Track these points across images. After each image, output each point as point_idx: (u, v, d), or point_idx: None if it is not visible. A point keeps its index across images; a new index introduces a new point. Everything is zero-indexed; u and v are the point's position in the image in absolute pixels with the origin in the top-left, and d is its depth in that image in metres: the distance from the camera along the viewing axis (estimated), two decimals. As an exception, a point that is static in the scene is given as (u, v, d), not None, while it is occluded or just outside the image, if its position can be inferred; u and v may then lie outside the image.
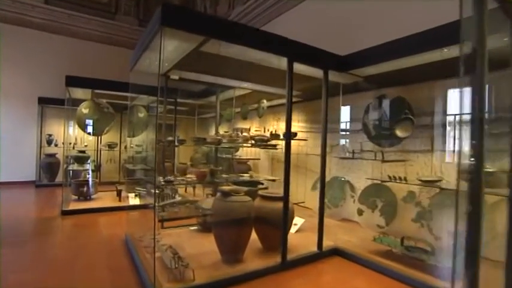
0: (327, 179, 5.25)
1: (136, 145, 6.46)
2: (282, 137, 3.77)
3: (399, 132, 3.77)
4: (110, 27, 8.38)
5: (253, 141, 3.30)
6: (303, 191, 5.62)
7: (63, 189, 5.13)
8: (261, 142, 3.28)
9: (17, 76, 7.60)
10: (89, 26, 8.16)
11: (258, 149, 6.37)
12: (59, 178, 7.74)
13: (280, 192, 3.35)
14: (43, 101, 7.51)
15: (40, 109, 7.71)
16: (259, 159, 5.59)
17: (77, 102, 5.72)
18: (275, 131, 4.78)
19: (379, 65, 3.48)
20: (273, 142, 3.59)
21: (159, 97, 5.67)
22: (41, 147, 7.73)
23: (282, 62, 3.31)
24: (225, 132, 5.46)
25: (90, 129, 5.40)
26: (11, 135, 7.51)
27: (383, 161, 3.61)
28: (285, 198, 3.03)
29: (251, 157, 5.89)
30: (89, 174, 5.64)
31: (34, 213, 4.98)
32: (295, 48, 3.13)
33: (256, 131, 4.67)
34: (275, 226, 3.21)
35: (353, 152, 3.86)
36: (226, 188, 3.08)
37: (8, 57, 7.44)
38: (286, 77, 3.06)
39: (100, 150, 7.24)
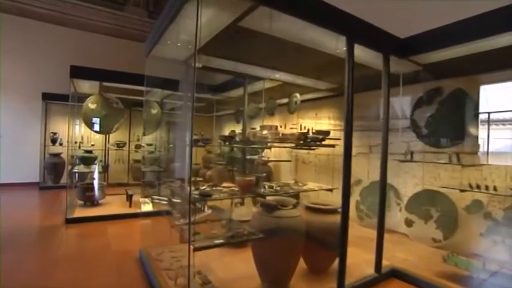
0: (366, 183, 4.61)
1: (148, 144, 5.82)
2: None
3: (473, 131, 3.08)
4: (119, 18, 7.75)
5: (302, 141, 2.62)
6: (337, 197, 4.94)
7: (67, 193, 4.49)
8: (314, 141, 2.60)
9: (20, 70, 6.98)
10: (96, 17, 7.53)
11: (280, 149, 5.72)
12: (64, 179, 7.12)
13: (327, 201, 2.70)
14: (47, 97, 6.89)
15: (44, 105, 7.09)
16: (290, 161, 4.93)
17: (82, 99, 5.07)
18: (310, 128, 4.12)
19: (442, 51, 2.82)
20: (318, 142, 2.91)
21: (171, 90, 5.11)
22: (45, 147, 7.11)
23: (333, 44, 2.66)
24: (252, 129, 4.81)
25: (97, 126, 4.75)
26: (12, 134, 6.90)
27: (462, 165, 2.92)
28: (345, 211, 2.36)
29: (278, 158, 5.22)
30: (94, 177, 5.00)
31: (35, 221, 4.35)
32: (356, 26, 2.46)
33: (292, 128, 3.99)
34: (326, 245, 2.55)
35: (411, 154, 3.18)
36: (269, 199, 2.42)
37: (10, 50, 6.82)
38: (346, 60, 2.38)
39: (108, 150, 6.60)
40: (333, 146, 2.67)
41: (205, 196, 2.05)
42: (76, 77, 4.27)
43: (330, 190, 2.71)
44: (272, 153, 5.49)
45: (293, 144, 2.71)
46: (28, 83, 7.04)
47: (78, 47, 7.44)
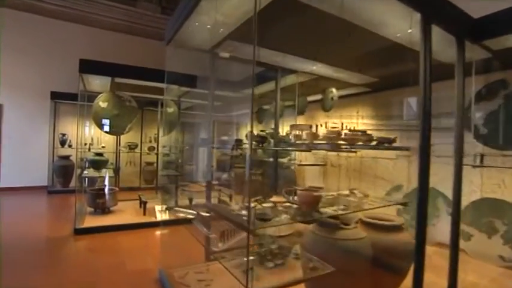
0: (407, 189, 4.07)
1: (162, 146, 5.36)
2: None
3: None
4: (131, 14, 7.34)
5: (370, 142, 2.10)
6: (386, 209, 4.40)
7: (76, 199, 4.05)
8: (382, 143, 2.08)
9: (27, 68, 6.60)
10: (108, 13, 7.13)
11: (305, 152, 5.20)
12: (74, 183, 6.71)
13: (380, 213, 2.19)
14: (56, 96, 6.48)
15: (53, 105, 6.70)
16: (324, 164, 4.41)
17: (92, 98, 4.61)
18: (346, 127, 3.61)
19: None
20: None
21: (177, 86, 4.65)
22: (53, 149, 6.71)
23: (396, 25, 2.16)
24: (271, 129, 4.35)
25: (108, 127, 4.30)
26: (19, 135, 6.52)
27: None
28: (421, 227, 1.84)
29: (305, 161, 4.70)
30: (105, 183, 4.55)
31: (41, 231, 3.91)
32: (435, 2, 1.95)
33: (333, 128, 3.49)
34: (391, 269, 2.04)
35: (482, 157, 2.64)
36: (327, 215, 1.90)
37: (17, 47, 6.45)
38: (421, 44, 1.86)
39: (119, 152, 6.17)
40: (406, 148, 2.15)
41: (264, 220, 1.53)
42: (86, 71, 3.83)
43: (405, 204, 2.18)
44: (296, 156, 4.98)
45: (351, 146, 2.19)
46: (36, 82, 6.66)
47: (88, 44, 7.04)
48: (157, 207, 4.48)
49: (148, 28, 7.64)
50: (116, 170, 5.37)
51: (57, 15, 6.85)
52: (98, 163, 4.48)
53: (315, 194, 1.61)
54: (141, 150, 7.05)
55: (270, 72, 3.58)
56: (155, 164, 7.66)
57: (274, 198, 2.01)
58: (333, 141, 1.90)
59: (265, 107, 5.42)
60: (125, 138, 6.68)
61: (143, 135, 7.30)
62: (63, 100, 6.64)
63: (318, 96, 4.22)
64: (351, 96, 4.73)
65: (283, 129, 5.31)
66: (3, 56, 6.13)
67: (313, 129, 3.77)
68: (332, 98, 3.75)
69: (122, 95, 4.45)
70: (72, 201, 5.85)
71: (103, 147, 5.23)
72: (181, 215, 2.56)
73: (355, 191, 2.10)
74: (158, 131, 5.96)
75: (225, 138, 3.13)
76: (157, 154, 5.99)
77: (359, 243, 1.78)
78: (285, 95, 4.79)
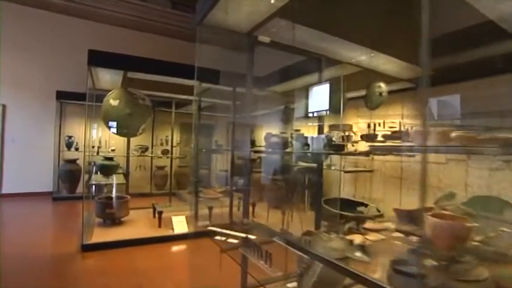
0: (463, 198, 3.51)
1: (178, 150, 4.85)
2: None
3: None
4: (140, 9, 6.86)
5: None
6: (414, 215, 3.83)
7: (83, 211, 3.53)
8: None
9: (32, 66, 6.14)
10: (116, 7, 6.66)
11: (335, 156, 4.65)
12: (81, 189, 6.21)
13: None
14: (62, 96, 6.01)
15: (59, 106, 6.22)
16: (371, 171, 3.86)
17: (101, 97, 4.10)
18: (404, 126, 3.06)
19: None
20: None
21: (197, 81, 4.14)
22: (59, 152, 6.23)
23: None
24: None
25: (120, 128, 3.80)
26: (23, 137, 6.05)
27: None
28: None
29: (356, 168, 4.12)
30: (114, 193, 4.04)
31: (44, 246, 3.40)
32: None
33: (391, 127, 2.94)
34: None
35: None
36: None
37: (21, 43, 5.99)
38: None
39: (129, 156, 5.65)
40: None
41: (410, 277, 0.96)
42: (96, 64, 3.33)
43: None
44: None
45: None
46: (41, 81, 6.19)
47: (95, 40, 6.56)
48: (176, 219, 3.95)
49: (158, 24, 7.16)
50: (126, 176, 4.86)
51: (63, 10, 6.39)
52: (107, 168, 3.97)
53: (465, 224, 1.02)
54: (151, 153, 6.54)
55: (309, 63, 3.04)
56: (166, 168, 7.16)
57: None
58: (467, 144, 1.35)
59: (292, 106, 4.89)
60: (134, 141, 6.18)
61: (154, 137, 6.79)
62: (69, 100, 6.17)
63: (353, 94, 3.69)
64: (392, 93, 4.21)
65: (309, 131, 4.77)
66: (5, 53, 5.67)
67: (361, 129, 3.21)
68: (380, 94, 3.20)
69: (135, 92, 3.95)
70: (78, 208, 5.36)
71: (113, 150, 4.73)
72: (220, 238, 2.01)
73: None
74: (172, 133, 5.45)
75: (276, 139, 2.59)
76: (171, 158, 5.46)
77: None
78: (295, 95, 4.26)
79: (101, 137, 5.65)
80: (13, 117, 5.98)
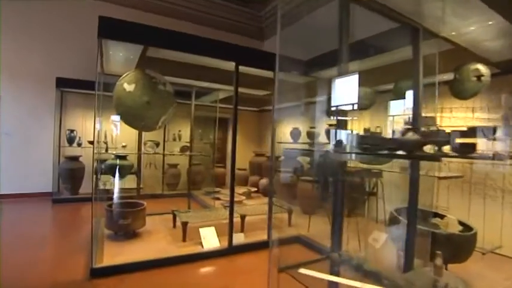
0: None
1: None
2: None
3: None
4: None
5: None
6: (497, 227, 3.09)
7: (92, 225, 2.76)
8: None
9: (28, 50, 5.31)
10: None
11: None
12: (84, 189, 5.44)
13: None
14: (63, 84, 5.20)
15: (59, 95, 5.41)
16: (462, 176, 3.08)
17: (110, 86, 3.29)
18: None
19: None
20: None
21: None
22: (59, 148, 5.43)
23: None
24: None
25: (136, 119, 3.02)
26: (19, 131, 5.25)
27: None
28: None
29: (450, 174, 3.33)
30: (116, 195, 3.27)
31: (40, 272, 2.62)
32: None
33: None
34: None
35: None
36: None
37: (15, 24, 5.16)
38: None
39: (141, 153, 4.86)
40: None
41: None
42: (108, 35, 2.53)
43: None
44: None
45: None
46: (39, 66, 5.37)
47: (101, 22, 5.73)
48: (204, 231, 3.18)
49: (170, 5, 6.34)
50: (138, 176, 4.09)
51: (64, -13, 5.56)
52: (120, 169, 3.19)
53: None
54: (163, 149, 5.76)
55: (396, 34, 2.26)
56: (179, 166, 6.39)
57: None
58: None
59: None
60: (144, 136, 5.41)
61: (166, 132, 6.01)
62: (71, 89, 5.36)
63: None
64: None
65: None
66: (-3, 33, 4.86)
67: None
68: (479, 79, 2.42)
69: (154, 75, 3.16)
70: (82, 213, 4.59)
71: (124, 146, 3.93)
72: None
73: None
74: (191, 127, 4.69)
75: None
76: (190, 156, 4.68)
77: None
78: (376, 75, 3.50)
79: (107, 131, 4.85)
80: (7, 109, 5.17)
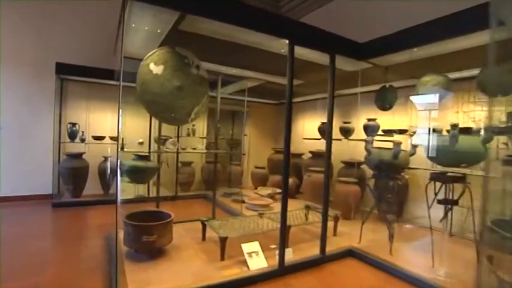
0: None
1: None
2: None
3: None
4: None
5: None
6: None
7: (117, 250, 2.12)
8: None
9: (21, 31, 4.56)
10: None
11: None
12: (88, 190, 4.78)
13: None
14: (64, 70, 4.48)
15: (59, 83, 4.69)
16: None
17: (130, 75, 2.60)
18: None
19: None
20: None
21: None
22: (59, 144, 4.74)
23: None
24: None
25: (162, 109, 2.37)
26: (14, 125, 4.53)
27: None
28: None
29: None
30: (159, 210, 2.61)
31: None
32: None
33: None
34: None
35: None
36: None
37: (6, 1, 4.41)
38: None
39: (162, 151, 4.17)
40: None
41: None
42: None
43: None
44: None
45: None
46: (36, 50, 4.63)
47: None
48: (247, 248, 2.57)
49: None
50: (157, 179, 3.43)
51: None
52: (141, 173, 2.54)
53: None
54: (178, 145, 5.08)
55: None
56: (193, 165, 5.74)
57: None
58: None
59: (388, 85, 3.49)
60: (143, 129, 4.74)
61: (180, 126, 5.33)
62: (73, 76, 4.65)
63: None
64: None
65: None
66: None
67: None
68: None
69: (186, 54, 2.50)
70: (88, 221, 3.91)
71: (140, 143, 3.26)
72: None
73: None
74: (208, 121, 4.03)
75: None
76: (215, 155, 4.02)
77: None
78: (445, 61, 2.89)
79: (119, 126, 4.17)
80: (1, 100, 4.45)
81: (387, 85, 3.48)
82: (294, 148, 6.31)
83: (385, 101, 3.47)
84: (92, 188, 4.83)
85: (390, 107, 3.55)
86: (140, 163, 2.53)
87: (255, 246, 2.65)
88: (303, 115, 6.20)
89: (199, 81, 2.56)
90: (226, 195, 5.24)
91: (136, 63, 2.53)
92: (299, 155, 5.81)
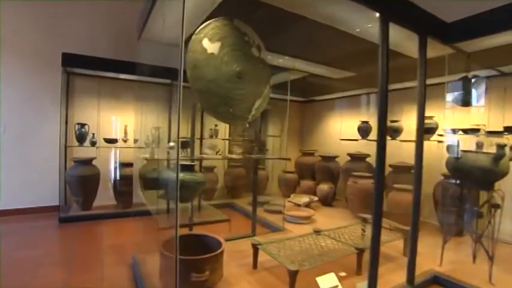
0: None
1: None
2: None
3: None
4: None
5: None
6: None
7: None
8: None
9: (25, 19, 3.91)
10: None
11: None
12: (100, 201, 4.14)
13: None
14: (71, 61, 3.82)
15: (65, 77, 4.04)
16: None
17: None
18: None
19: None
20: None
21: None
22: (66, 148, 4.08)
23: None
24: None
25: (217, 103, 1.74)
26: (15, 126, 3.88)
27: None
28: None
29: None
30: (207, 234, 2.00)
31: None
32: None
33: None
34: None
35: None
36: None
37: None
38: None
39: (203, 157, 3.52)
40: None
41: None
42: None
43: None
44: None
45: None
46: (38, 40, 3.98)
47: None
48: (324, 282, 1.94)
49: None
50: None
51: None
52: (189, 189, 1.90)
53: None
54: (200, 148, 4.45)
55: None
56: (216, 170, 5.11)
57: None
58: None
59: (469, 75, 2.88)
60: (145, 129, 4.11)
61: (203, 127, 4.69)
62: (82, 69, 4.01)
63: None
64: None
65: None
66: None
67: None
68: None
69: (246, 30, 1.87)
70: (104, 241, 3.24)
71: (171, 147, 2.61)
72: None
73: None
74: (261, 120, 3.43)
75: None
76: (256, 161, 3.37)
77: None
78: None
79: (142, 126, 3.56)
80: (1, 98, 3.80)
81: (470, 75, 2.87)
82: (326, 150, 5.70)
83: (467, 94, 2.86)
84: (103, 197, 4.20)
85: (469, 103, 2.93)
86: (188, 176, 1.89)
87: (332, 279, 2.03)
88: (341, 113, 5.56)
89: (261, 67, 1.94)
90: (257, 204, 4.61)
91: (167, 50, 1.90)
92: (332, 158, 5.19)
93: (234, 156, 3.06)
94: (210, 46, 1.70)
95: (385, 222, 3.05)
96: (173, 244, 1.84)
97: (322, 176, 5.14)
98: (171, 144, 2.61)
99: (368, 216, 3.32)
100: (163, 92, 4.47)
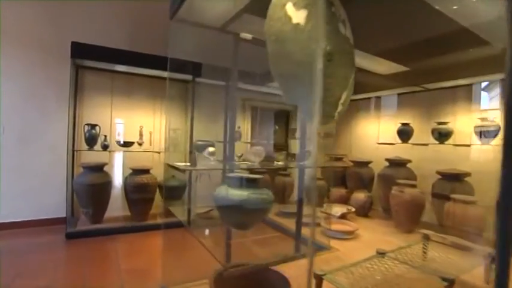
0: None
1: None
2: None
3: None
4: None
5: None
6: None
7: None
8: None
9: (30, 8, 3.42)
10: None
11: None
12: (112, 212, 3.64)
13: None
14: (81, 52, 3.32)
15: (73, 71, 3.53)
16: None
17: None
18: None
19: None
20: None
21: None
22: (73, 152, 3.58)
23: None
24: None
25: (297, 92, 1.26)
26: (17, 126, 3.38)
27: None
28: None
29: None
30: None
31: None
32: None
33: None
34: None
35: None
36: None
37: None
38: None
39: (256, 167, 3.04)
40: None
41: None
42: None
43: None
44: None
45: None
46: (43, 29, 3.50)
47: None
48: None
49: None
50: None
51: None
52: (257, 212, 1.41)
53: None
54: (224, 154, 3.96)
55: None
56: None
57: None
58: None
59: None
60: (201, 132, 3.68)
61: (227, 126, 4.20)
62: (94, 61, 3.51)
63: None
64: None
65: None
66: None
67: None
68: None
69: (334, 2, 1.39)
70: (121, 263, 2.74)
71: (211, 153, 2.12)
72: None
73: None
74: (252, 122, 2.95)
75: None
76: (302, 171, 2.89)
77: None
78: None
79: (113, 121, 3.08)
80: (2, 95, 3.30)
81: None
82: (357, 154, 5.23)
83: None
84: (114, 208, 3.70)
85: None
86: (254, 196, 1.37)
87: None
88: (378, 114, 5.06)
89: (348, 48, 1.46)
90: (284, 214, 4.13)
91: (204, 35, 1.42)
92: (365, 164, 4.71)
93: (280, 163, 2.56)
94: (295, 14, 1.22)
95: (446, 239, 2.59)
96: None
97: (354, 183, 4.66)
98: (210, 149, 2.12)
99: (430, 233, 2.85)
100: (181, 89, 4.02)
